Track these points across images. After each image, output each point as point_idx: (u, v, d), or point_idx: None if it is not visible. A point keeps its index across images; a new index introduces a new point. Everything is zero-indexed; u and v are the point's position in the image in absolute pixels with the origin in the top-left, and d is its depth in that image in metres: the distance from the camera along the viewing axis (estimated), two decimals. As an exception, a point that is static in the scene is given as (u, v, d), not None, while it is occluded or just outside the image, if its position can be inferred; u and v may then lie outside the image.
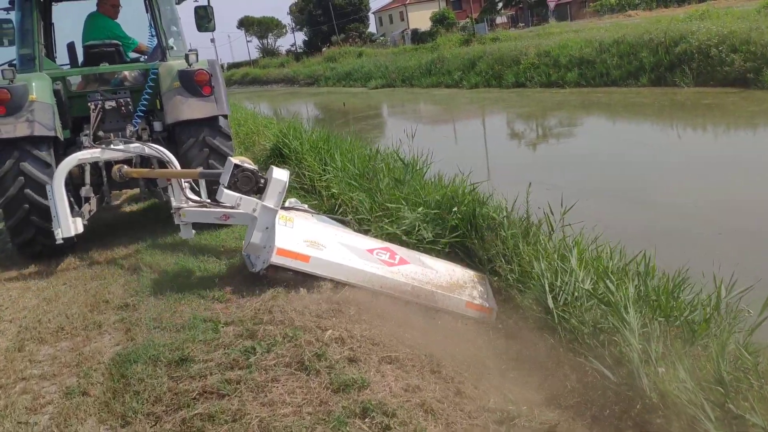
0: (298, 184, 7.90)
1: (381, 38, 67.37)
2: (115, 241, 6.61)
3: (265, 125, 13.67)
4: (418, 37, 53.91)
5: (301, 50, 76.37)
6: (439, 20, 53.30)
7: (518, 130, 17.38)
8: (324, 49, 66.21)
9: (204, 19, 7.28)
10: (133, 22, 7.57)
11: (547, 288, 3.94)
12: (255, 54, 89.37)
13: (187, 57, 6.48)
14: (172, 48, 6.86)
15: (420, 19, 62.20)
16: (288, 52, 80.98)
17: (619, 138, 13.35)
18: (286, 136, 9.98)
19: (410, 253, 4.96)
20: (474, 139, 16.17)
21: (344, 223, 5.60)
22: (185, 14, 7.51)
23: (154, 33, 7.04)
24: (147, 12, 7.18)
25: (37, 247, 6.15)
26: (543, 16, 54.48)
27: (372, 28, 76.99)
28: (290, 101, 39.42)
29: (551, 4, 50.99)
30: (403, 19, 69.30)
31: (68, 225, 5.45)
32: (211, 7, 7.25)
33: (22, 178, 5.80)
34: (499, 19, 55.86)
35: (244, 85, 63.06)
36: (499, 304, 4.60)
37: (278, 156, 9.73)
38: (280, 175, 4.85)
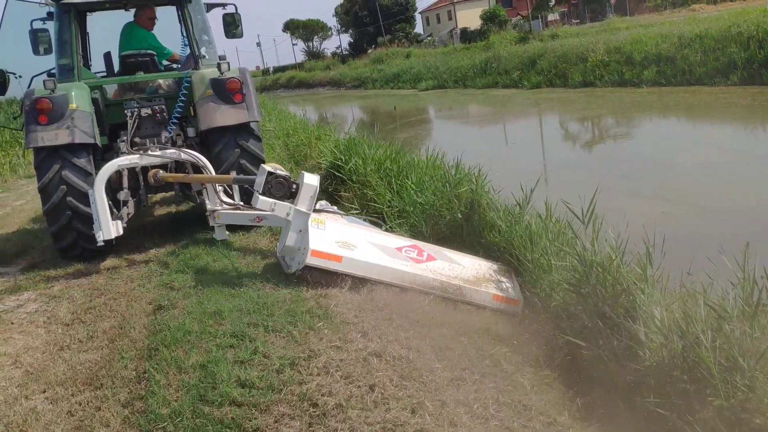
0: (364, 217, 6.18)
1: (428, 38, 65.55)
2: (135, 277, 5.84)
3: (318, 136, 11.90)
4: (467, 36, 52.17)
5: (347, 52, 75.00)
6: (489, 18, 51.34)
7: (609, 139, 15.47)
8: (370, 50, 64.71)
9: (231, 25, 7.50)
10: (167, 31, 7.76)
11: None
12: (300, 57, 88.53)
13: (219, 65, 6.60)
14: (204, 57, 6.93)
15: (468, 18, 60.22)
16: (333, 54, 79.69)
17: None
18: (344, 153, 8.32)
19: (436, 250, 5.08)
20: (555, 152, 14.34)
21: (374, 223, 5.76)
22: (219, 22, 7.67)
23: (186, 42, 7.19)
24: (180, 22, 7.34)
25: (77, 251, 6.41)
26: (599, 12, 52.17)
27: (419, 28, 75.20)
28: (337, 105, 38.15)
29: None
30: (451, 18, 67.36)
31: (109, 228, 5.72)
32: (239, 14, 7.48)
33: (65, 186, 6.04)
34: (551, 17, 53.65)
35: (290, 89, 61.95)
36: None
37: (335, 179, 8.06)
38: (311, 180, 5.02)
